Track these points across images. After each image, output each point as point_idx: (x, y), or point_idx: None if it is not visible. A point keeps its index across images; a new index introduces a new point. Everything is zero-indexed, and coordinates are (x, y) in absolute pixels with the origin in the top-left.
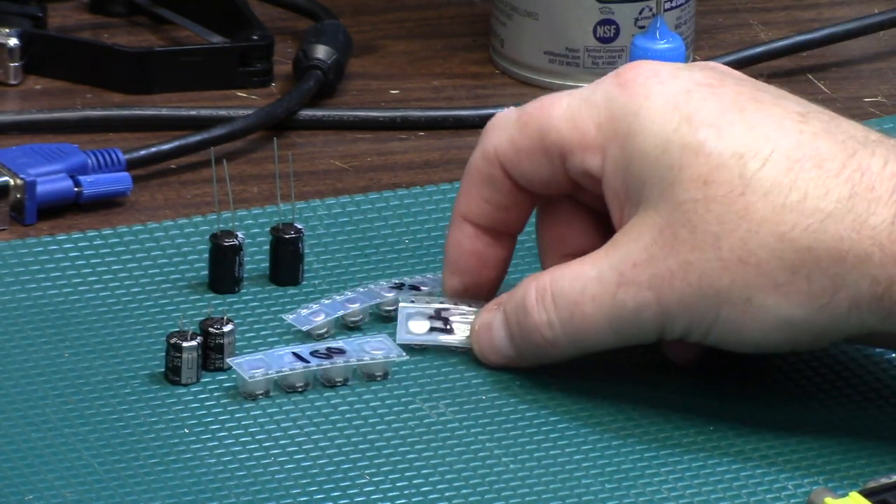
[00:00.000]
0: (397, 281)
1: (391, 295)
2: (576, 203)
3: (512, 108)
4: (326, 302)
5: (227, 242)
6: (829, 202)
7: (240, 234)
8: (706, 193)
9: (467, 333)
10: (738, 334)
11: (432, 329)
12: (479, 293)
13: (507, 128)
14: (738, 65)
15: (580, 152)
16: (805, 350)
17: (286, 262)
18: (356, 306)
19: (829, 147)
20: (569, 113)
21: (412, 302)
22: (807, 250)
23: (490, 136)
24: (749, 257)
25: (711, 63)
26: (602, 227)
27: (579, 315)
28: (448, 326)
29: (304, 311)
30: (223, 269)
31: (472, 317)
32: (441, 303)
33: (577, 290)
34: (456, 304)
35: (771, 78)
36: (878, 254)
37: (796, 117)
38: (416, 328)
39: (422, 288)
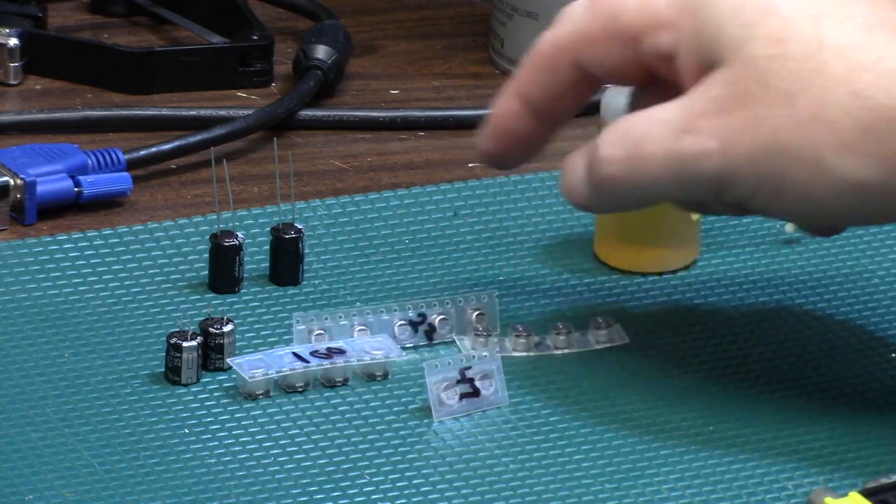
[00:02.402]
0: (414, 317)
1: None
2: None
3: None
4: (327, 317)
5: (227, 242)
6: None
7: (240, 234)
8: (781, 50)
9: (492, 389)
10: (807, 199)
11: (462, 396)
12: (510, 162)
13: (577, 17)
14: None
15: (652, 32)
16: (880, 224)
17: (286, 262)
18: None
19: None
20: None
21: (436, 366)
22: (881, 108)
23: (560, 26)
24: (822, 114)
25: None
26: None
27: (640, 153)
28: (475, 388)
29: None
30: (223, 269)
31: (492, 365)
32: (462, 361)
33: (643, 130)
34: (474, 356)
35: None
36: None
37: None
38: (448, 398)
39: (439, 331)
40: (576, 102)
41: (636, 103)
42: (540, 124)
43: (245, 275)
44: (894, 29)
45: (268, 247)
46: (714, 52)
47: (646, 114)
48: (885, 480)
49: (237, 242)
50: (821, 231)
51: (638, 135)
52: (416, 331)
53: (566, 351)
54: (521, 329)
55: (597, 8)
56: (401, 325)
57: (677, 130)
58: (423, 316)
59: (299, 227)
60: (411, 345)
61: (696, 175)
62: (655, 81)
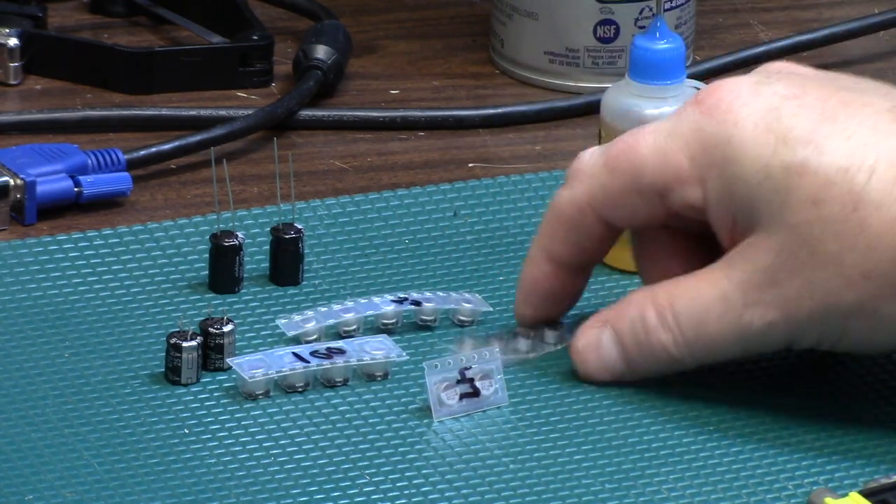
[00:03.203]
0: (401, 295)
1: (390, 308)
2: (671, 230)
3: (594, 149)
4: (322, 309)
5: (227, 242)
6: None
7: (240, 234)
8: (819, 214)
9: (492, 389)
10: (868, 343)
11: (462, 396)
12: (549, 319)
13: (595, 174)
14: (738, 65)
15: (678, 187)
16: None
17: (286, 262)
18: (351, 315)
19: None
20: (657, 149)
21: (436, 366)
22: None
23: (578, 183)
24: (872, 272)
25: (780, 64)
26: (700, 247)
27: (705, 335)
28: (475, 388)
29: (297, 317)
30: (223, 269)
31: (492, 365)
32: (462, 361)
33: (700, 310)
34: (474, 356)
35: None
36: None
37: (889, 117)
38: (448, 398)
39: (424, 304)
40: (603, 249)
41: (643, 241)
42: (571, 278)
43: (245, 275)
44: None
45: (268, 247)
46: (749, 214)
47: (688, 291)
48: (885, 480)
49: (237, 242)
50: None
51: (698, 317)
52: (401, 304)
53: (560, 346)
54: (518, 331)
55: (614, 165)
56: (385, 301)
57: (739, 307)
58: (406, 296)
59: (299, 227)
60: (400, 319)
61: (764, 343)
62: (676, 221)
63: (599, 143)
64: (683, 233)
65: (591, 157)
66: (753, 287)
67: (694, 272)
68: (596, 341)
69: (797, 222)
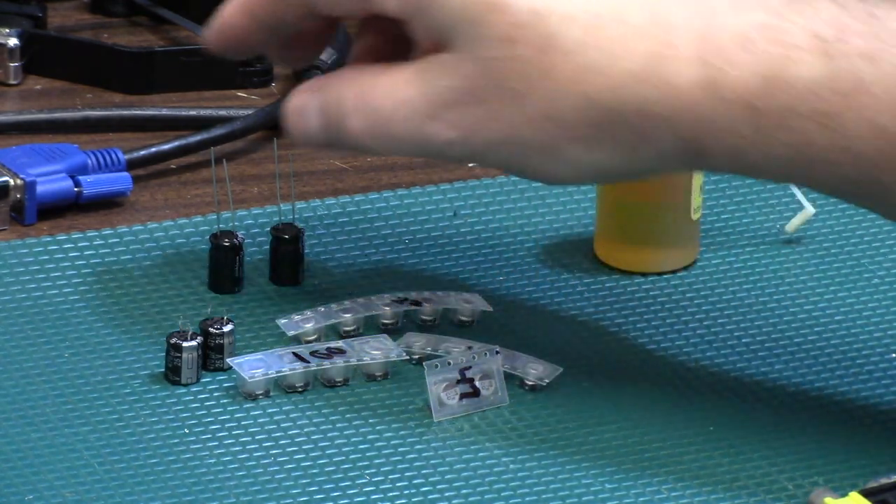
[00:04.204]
0: (401, 295)
1: (389, 309)
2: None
3: None
4: (322, 309)
5: (227, 242)
6: (632, 62)
7: (240, 234)
8: (509, 52)
9: (492, 389)
10: (550, 176)
11: (462, 396)
12: (231, 55)
13: None
14: None
15: None
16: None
17: (286, 262)
18: (351, 316)
19: (632, 4)
20: None
21: (436, 366)
22: (611, 110)
23: None
24: (554, 115)
25: None
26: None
27: (391, 133)
28: (475, 388)
29: (297, 317)
30: (223, 269)
31: (492, 365)
32: (461, 361)
33: (390, 108)
34: (474, 356)
35: None
36: (682, 114)
37: None
38: (448, 398)
39: (424, 304)
40: (299, 26)
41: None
42: (265, 35)
43: (245, 275)
44: (622, 20)
45: (268, 247)
46: (445, 38)
47: (383, 85)
48: (885, 480)
49: (237, 242)
50: None
51: (387, 114)
52: (401, 304)
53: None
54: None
55: None
56: (385, 301)
57: (422, 116)
58: (406, 296)
59: (299, 226)
60: (399, 318)
61: (444, 156)
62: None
63: None
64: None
65: None
66: (438, 103)
67: (399, 65)
68: (303, 108)
69: (488, 57)
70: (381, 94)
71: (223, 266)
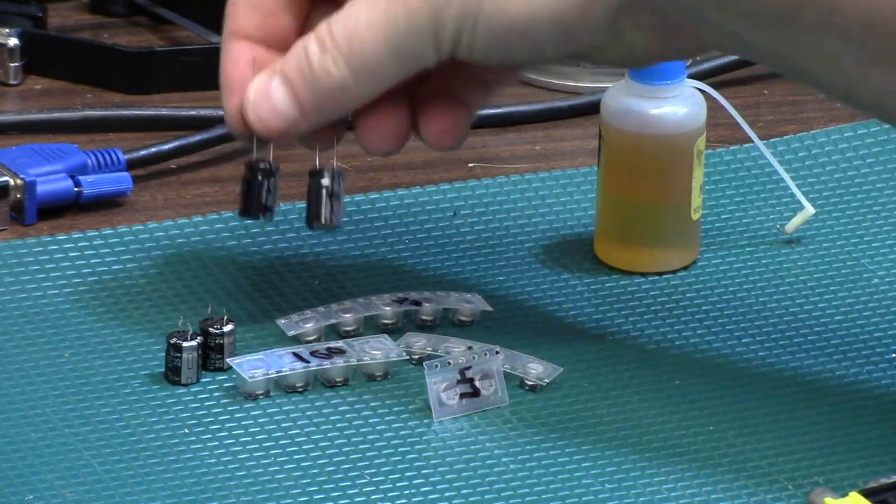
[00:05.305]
0: (401, 295)
1: (389, 309)
2: None
3: None
4: (322, 309)
5: (261, 165)
6: None
7: (276, 163)
8: None
9: (492, 389)
10: (507, 29)
11: (462, 396)
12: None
13: None
14: (736, 66)
15: None
16: (575, 57)
17: (317, 200)
18: (351, 316)
19: None
20: None
21: (436, 366)
22: None
23: None
24: None
25: None
26: None
27: (359, 43)
28: (474, 388)
29: (297, 317)
30: (252, 192)
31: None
32: (461, 361)
33: (352, 22)
34: (474, 356)
35: (770, 79)
36: None
37: None
38: (448, 398)
39: (424, 304)
40: (289, 21)
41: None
42: (268, 53)
43: (251, 268)
44: None
45: (269, 246)
46: None
47: (344, 11)
48: (885, 480)
49: (269, 166)
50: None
51: (350, 30)
52: (401, 304)
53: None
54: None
55: None
56: (385, 301)
57: (382, 3)
58: (406, 296)
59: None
60: (398, 318)
61: (412, 36)
62: None
63: (600, 143)
64: None
65: None
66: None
67: (349, 3)
68: (265, 88)
69: None
70: (343, 18)
71: (252, 188)
